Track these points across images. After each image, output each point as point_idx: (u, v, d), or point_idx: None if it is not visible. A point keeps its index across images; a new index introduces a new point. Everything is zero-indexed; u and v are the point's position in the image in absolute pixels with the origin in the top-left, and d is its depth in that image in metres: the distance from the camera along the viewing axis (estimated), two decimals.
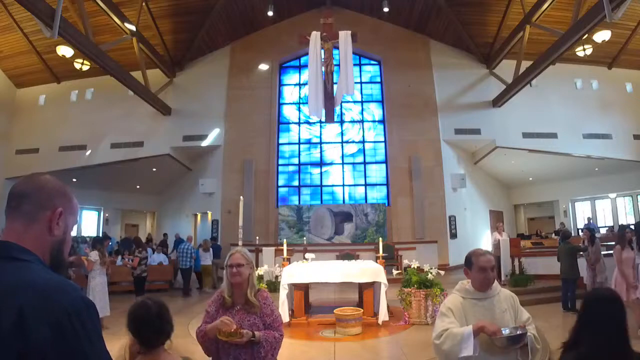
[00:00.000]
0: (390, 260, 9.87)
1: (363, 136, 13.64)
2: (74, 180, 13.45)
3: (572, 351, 1.61)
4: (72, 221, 1.05)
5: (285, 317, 5.44)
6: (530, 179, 15.74)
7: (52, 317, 0.81)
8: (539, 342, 2.08)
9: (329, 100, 8.99)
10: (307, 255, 6.87)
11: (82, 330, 0.84)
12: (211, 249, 10.43)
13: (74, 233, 1.19)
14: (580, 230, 13.89)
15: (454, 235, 12.60)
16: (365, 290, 5.95)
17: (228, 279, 2.27)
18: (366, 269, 5.96)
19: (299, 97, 13.94)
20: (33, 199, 0.98)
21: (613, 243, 9.59)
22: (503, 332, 1.96)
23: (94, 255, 6.59)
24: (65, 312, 0.83)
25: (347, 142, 13.63)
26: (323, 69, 9.03)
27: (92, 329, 0.88)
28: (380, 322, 5.70)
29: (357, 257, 9.57)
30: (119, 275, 9.65)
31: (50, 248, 0.99)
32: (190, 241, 10.53)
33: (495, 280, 2.20)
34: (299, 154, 13.58)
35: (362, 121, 13.75)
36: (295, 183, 13.43)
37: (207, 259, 10.25)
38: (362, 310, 5.65)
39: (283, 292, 5.83)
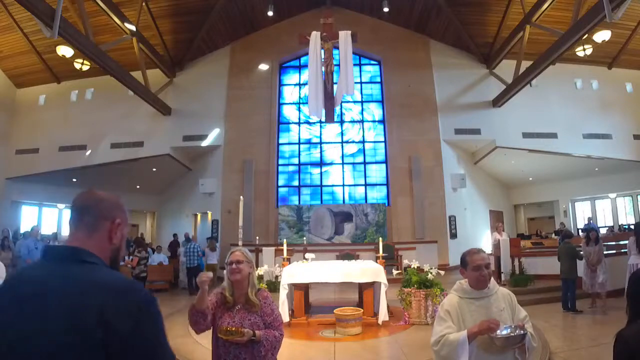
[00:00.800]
0: (390, 260, 9.87)
1: (363, 136, 13.64)
2: (74, 180, 13.45)
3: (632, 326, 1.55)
4: (127, 231, 1.19)
5: (285, 317, 5.44)
6: (530, 179, 15.73)
7: (128, 313, 0.93)
8: (535, 341, 2.11)
9: (329, 100, 8.97)
10: (307, 255, 6.86)
11: (154, 323, 0.98)
12: (217, 249, 10.75)
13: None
14: (579, 230, 13.90)
15: (454, 235, 12.60)
16: (365, 290, 5.95)
17: (229, 277, 2.29)
18: (366, 269, 5.95)
19: (299, 97, 13.93)
20: (94, 211, 1.11)
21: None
22: (504, 330, 1.98)
23: None
24: (138, 308, 0.95)
25: (347, 142, 13.63)
26: (323, 69, 9.01)
27: (160, 322, 1.01)
28: (380, 322, 5.69)
29: (357, 257, 9.56)
30: None
31: (110, 254, 1.11)
32: (195, 241, 10.89)
33: (493, 279, 2.22)
34: (299, 154, 13.57)
35: (362, 121, 13.75)
36: (295, 183, 13.42)
37: (213, 258, 10.52)
38: (362, 310, 5.63)
39: (283, 292, 5.81)
